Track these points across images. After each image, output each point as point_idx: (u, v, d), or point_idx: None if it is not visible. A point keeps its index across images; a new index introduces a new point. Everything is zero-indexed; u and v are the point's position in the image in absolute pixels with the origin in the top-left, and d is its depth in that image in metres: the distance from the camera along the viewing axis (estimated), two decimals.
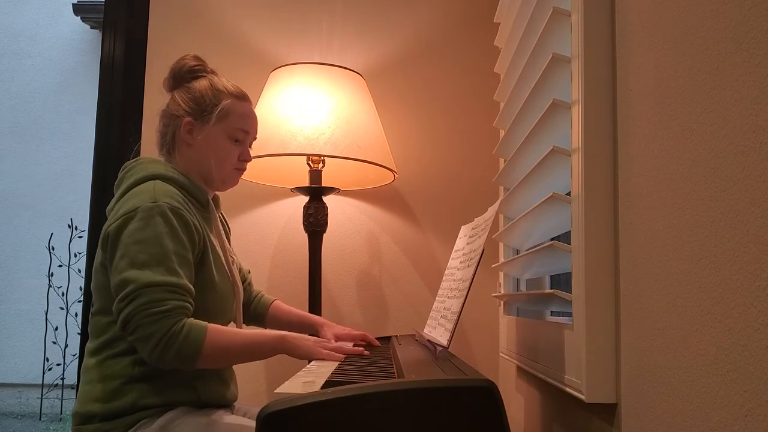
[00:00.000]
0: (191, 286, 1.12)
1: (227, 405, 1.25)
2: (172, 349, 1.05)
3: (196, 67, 1.30)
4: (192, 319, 1.09)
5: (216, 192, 1.35)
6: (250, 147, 1.34)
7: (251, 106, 1.33)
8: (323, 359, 1.14)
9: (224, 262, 1.26)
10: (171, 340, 1.05)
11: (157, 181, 1.17)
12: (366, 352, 1.23)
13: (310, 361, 1.17)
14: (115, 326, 1.12)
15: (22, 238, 5.70)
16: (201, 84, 1.28)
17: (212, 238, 1.24)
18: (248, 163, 1.34)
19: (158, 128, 1.31)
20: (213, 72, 1.33)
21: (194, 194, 1.24)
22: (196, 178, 1.27)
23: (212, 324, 1.11)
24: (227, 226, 1.44)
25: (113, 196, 1.22)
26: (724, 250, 0.56)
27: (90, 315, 1.20)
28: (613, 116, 0.86)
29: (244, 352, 1.15)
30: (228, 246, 1.36)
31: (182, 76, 1.29)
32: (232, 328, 1.17)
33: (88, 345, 1.18)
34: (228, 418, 1.15)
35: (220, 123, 1.27)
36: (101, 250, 1.15)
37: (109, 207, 1.22)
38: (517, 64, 1.34)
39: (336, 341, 1.31)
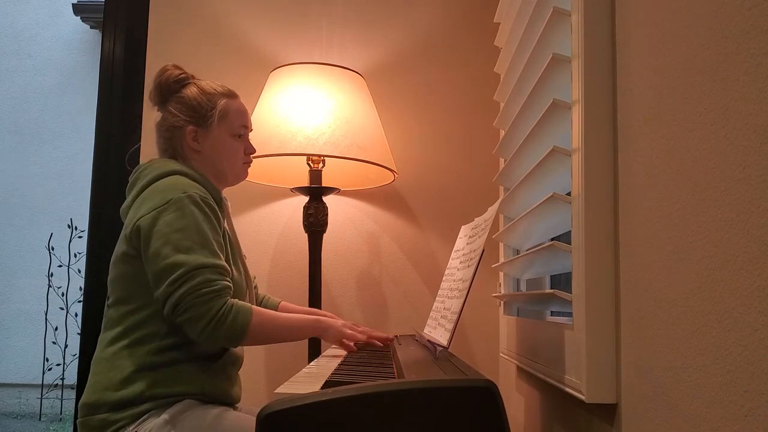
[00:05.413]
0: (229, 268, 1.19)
1: (231, 404, 1.27)
2: (222, 328, 1.11)
3: (181, 76, 1.33)
4: (237, 300, 1.15)
5: (223, 191, 1.38)
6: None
7: (241, 100, 1.38)
8: (349, 340, 1.26)
9: (238, 257, 1.31)
10: (221, 320, 1.11)
11: (179, 176, 1.23)
12: (391, 338, 1.35)
13: (318, 356, 1.20)
14: (132, 316, 1.17)
15: (22, 238, 5.70)
16: (191, 91, 1.32)
17: (228, 233, 1.29)
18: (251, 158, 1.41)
19: (158, 142, 1.34)
20: (194, 76, 1.37)
21: (209, 191, 1.27)
22: (210, 178, 1.32)
23: (255, 306, 1.18)
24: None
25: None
26: (724, 250, 0.56)
27: (105, 307, 1.23)
28: (613, 116, 0.86)
29: (283, 335, 1.23)
30: (239, 243, 1.40)
31: (170, 87, 1.32)
32: (271, 311, 1.24)
33: (102, 336, 1.20)
34: (235, 413, 1.18)
35: (221, 124, 1.32)
36: (126, 243, 1.19)
37: (125, 205, 1.26)
38: (517, 64, 1.34)
39: None
